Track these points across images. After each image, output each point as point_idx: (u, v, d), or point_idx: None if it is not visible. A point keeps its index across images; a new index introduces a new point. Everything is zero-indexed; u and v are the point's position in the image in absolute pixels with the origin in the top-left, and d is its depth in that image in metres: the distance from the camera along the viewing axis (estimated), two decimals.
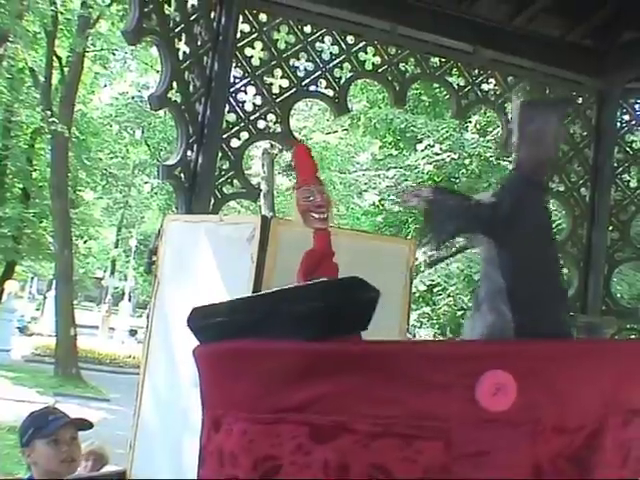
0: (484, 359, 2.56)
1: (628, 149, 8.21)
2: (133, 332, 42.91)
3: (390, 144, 19.56)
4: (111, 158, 37.95)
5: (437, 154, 16.05)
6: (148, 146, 37.74)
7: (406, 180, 16.38)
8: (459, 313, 15.10)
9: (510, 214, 3.16)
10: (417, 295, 14.90)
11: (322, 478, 2.52)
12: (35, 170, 29.54)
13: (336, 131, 23.90)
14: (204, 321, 3.15)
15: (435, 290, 15.30)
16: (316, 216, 4.06)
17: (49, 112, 22.99)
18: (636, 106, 8.33)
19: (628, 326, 8.47)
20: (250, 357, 2.73)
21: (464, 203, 3.34)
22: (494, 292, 3.15)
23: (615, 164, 8.13)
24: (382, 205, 17.42)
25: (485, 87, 7.69)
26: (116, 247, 53.76)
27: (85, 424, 4.09)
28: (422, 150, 16.44)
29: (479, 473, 2.48)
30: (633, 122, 8.25)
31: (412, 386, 2.49)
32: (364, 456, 2.50)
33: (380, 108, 18.26)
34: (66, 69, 25.35)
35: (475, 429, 2.49)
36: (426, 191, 3.59)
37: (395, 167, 17.37)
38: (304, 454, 2.55)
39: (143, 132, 37.53)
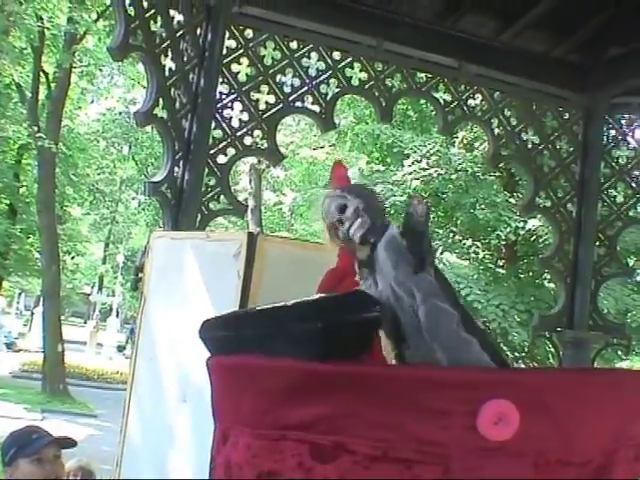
0: (486, 387, 2.54)
1: (614, 164, 8.23)
2: (121, 348, 42.81)
3: (377, 159, 19.57)
4: (98, 174, 37.89)
5: (424, 169, 16.06)
6: (135, 162, 37.70)
7: (393, 195, 16.37)
8: None
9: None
10: None
11: None
12: (22, 186, 29.49)
13: (323, 146, 23.93)
14: (212, 333, 3.20)
15: None
16: (340, 235, 3.98)
17: (36, 128, 22.96)
18: (622, 121, 8.34)
19: (615, 341, 8.46)
20: (253, 373, 2.77)
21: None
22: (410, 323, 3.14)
23: (602, 179, 8.15)
24: None
25: (471, 102, 7.70)
26: (104, 263, 53.63)
27: (68, 442, 4.06)
28: (409, 165, 16.45)
29: None
30: (619, 137, 8.27)
31: (412, 411, 2.49)
32: (364, 477, 2.50)
33: (367, 124, 18.28)
34: (53, 85, 25.32)
35: (475, 457, 2.47)
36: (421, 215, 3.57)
37: (382, 182, 17.35)
38: (305, 472, 2.56)
39: (130, 148, 37.52)
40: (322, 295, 3.18)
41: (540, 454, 2.54)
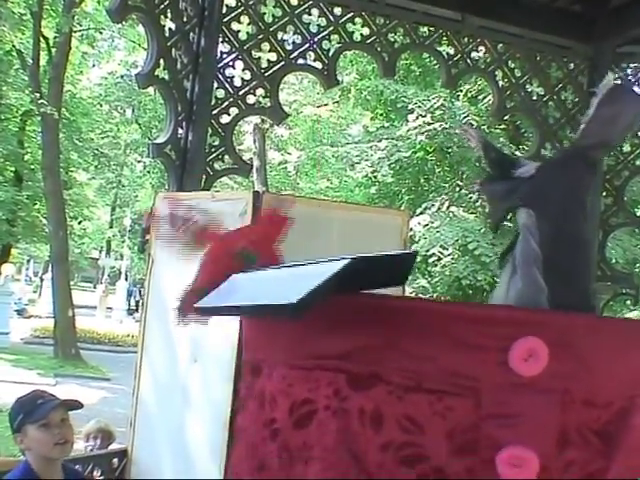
0: (520, 325, 2.57)
1: None
2: (131, 311, 42.97)
3: (381, 115, 19.48)
4: (102, 138, 37.82)
5: (428, 124, 15.96)
6: (139, 125, 37.59)
7: (398, 151, 16.32)
8: (455, 284, 15.06)
9: (549, 188, 3.17)
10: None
11: (357, 423, 2.57)
12: (27, 152, 29.43)
13: (327, 104, 23.85)
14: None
15: (430, 261, 15.29)
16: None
17: (38, 94, 22.88)
18: (628, 70, 8.28)
19: (623, 291, 8.45)
20: None
21: (510, 184, 3.35)
22: (529, 260, 3.16)
23: None
24: (375, 177, 17.35)
25: (475, 55, 7.65)
26: (111, 227, 53.68)
27: (75, 405, 4.07)
28: (413, 120, 16.34)
29: (506, 434, 2.50)
30: None
31: (446, 344, 2.53)
32: (397, 407, 2.54)
33: (370, 80, 18.16)
34: (53, 50, 25.20)
35: (505, 391, 2.52)
36: (477, 140, 3.60)
37: (387, 138, 17.29)
38: (340, 400, 2.60)
39: (133, 111, 37.40)
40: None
41: (567, 392, 2.57)
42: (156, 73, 6.11)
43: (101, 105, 36.31)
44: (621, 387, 2.72)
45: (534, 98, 7.88)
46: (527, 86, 7.84)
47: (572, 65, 8.03)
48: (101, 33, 30.53)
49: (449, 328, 2.53)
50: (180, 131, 6.34)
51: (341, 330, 2.63)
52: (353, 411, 2.59)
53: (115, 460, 5.84)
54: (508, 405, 2.52)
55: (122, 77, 35.48)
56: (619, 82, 3.42)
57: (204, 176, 6.47)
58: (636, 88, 8.33)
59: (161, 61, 6.13)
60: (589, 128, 3.36)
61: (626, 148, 8.18)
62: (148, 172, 38.18)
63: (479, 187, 3.30)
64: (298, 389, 2.71)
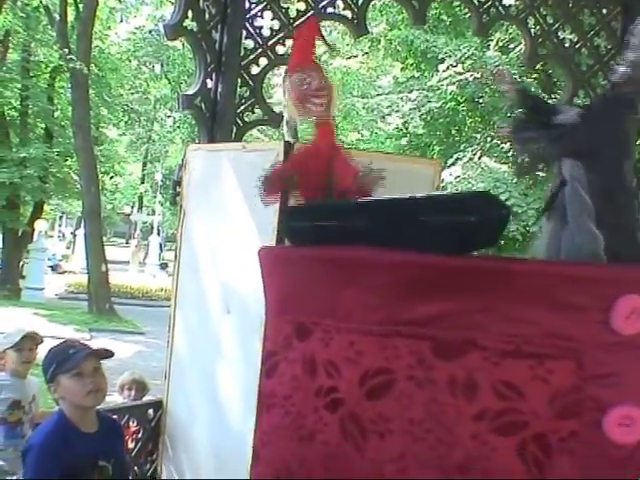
0: (620, 283, 2.54)
1: None
2: (164, 265, 43.16)
3: (411, 66, 19.33)
4: (132, 94, 37.82)
5: (459, 74, 15.82)
6: (168, 80, 37.52)
7: (429, 102, 16.21)
8: None
9: (596, 138, 3.12)
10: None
11: (447, 393, 2.51)
12: (57, 109, 29.44)
13: (356, 55, 23.69)
14: (308, 222, 3.06)
15: None
16: (316, 101, 3.64)
17: (66, 50, 22.83)
18: None
19: None
20: (366, 266, 2.67)
21: (550, 132, 3.28)
22: (583, 212, 3.11)
23: None
24: (406, 128, 17.26)
25: (506, 2, 7.53)
26: (142, 182, 53.81)
27: (107, 353, 4.09)
28: (444, 71, 16.20)
29: (610, 394, 2.47)
30: None
31: (546, 306, 2.47)
32: (493, 374, 2.48)
33: (400, 30, 18.01)
34: (81, 5, 25.13)
35: (606, 351, 2.48)
36: (512, 85, 3.56)
37: (418, 89, 17.17)
38: (426, 369, 2.53)
39: (162, 66, 37.32)
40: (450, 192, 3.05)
41: None
42: (184, 24, 6.08)
43: (130, 60, 36.23)
44: None
45: (566, 45, 7.75)
46: (559, 33, 7.71)
47: (605, 10, 7.88)
48: None
49: (548, 289, 2.48)
50: (210, 82, 6.31)
51: (429, 294, 2.53)
52: (441, 381, 2.51)
53: (150, 411, 5.90)
54: (610, 365, 2.48)
55: (150, 32, 35.37)
56: None
57: (234, 127, 6.43)
58: None
59: (189, 12, 6.09)
60: (628, 73, 3.29)
61: None
62: (178, 127, 38.15)
63: (510, 134, 3.20)
64: (370, 357, 2.61)
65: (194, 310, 5.64)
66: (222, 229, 5.33)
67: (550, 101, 15.06)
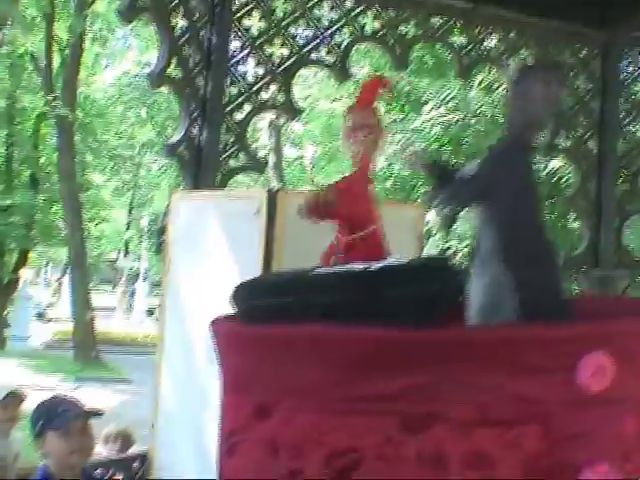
0: (583, 341, 2.55)
1: (633, 99, 8.14)
2: (150, 312, 42.98)
3: (395, 108, 19.41)
4: (118, 139, 37.78)
5: (443, 115, 15.90)
6: (154, 124, 37.57)
7: (413, 143, 16.26)
8: None
9: (494, 181, 3.13)
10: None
11: (416, 469, 2.45)
12: (42, 155, 29.43)
13: (342, 98, 23.76)
14: (261, 299, 3.00)
15: (448, 253, 15.22)
16: (358, 143, 4.15)
17: (52, 96, 22.89)
18: None
19: None
20: (325, 343, 2.62)
21: (456, 186, 3.31)
22: (490, 254, 3.11)
23: (621, 115, 8.05)
24: (390, 170, 17.30)
25: (487, 44, 7.61)
26: (128, 228, 53.69)
27: (97, 413, 4.04)
28: (428, 112, 16.30)
29: (581, 454, 2.46)
30: (638, 72, 8.16)
31: (509, 371, 2.46)
32: (462, 445, 2.44)
33: (384, 72, 18.11)
34: (66, 51, 25.22)
35: (574, 411, 2.49)
36: (421, 162, 3.63)
37: (402, 131, 17.23)
38: (393, 446, 2.47)
39: (148, 111, 37.38)
40: (404, 261, 3.02)
41: (629, 398, 2.56)
42: (168, 72, 6.12)
43: (115, 106, 36.28)
44: None
45: None
46: None
47: (584, 51, 7.98)
48: (113, 33, 30.52)
49: (510, 354, 2.46)
50: (194, 129, 6.34)
51: (385, 369, 2.49)
52: (410, 457, 2.46)
53: (136, 464, 5.84)
54: (579, 424, 2.48)
55: (136, 77, 35.47)
56: (527, 65, 3.47)
57: (219, 174, 6.45)
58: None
59: (173, 60, 6.14)
60: (511, 114, 3.35)
61: None
62: (164, 172, 38.15)
63: (430, 198, 3.24)
64: (335, 437, 2.54)
65: (180, 360, 5.61)
66: (207, 276, 5.33)
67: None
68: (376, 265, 2.89)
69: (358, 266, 2.92)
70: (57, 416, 3.86)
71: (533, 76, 3.33)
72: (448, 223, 14.92)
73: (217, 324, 3.07)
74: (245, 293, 3.06)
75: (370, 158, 4.27)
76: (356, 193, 4.12)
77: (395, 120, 19.02)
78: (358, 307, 2.66)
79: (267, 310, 2.90)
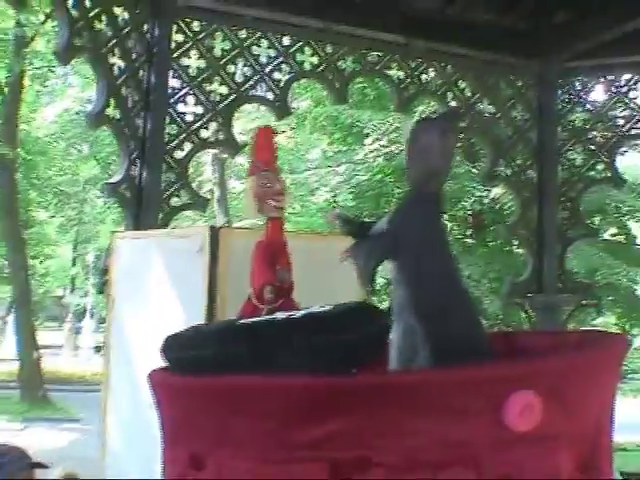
0: (509, 380, 2.54)
1: (571, 127, 8.28)
2: (98, 349, 42.50)
3: (338, 140, 19.49)
4: (61, 175, 37.50)
5: (385, 147, 16.03)
6: (97, 160, 37.33)
7: (357, 175, 16.36)
8: None
9: (402, 235, 3.15)
10: (377, 289, 14.88)
11: None
12: None
13: (284, 131, 23.85)
14: (187, 351, 3.00)
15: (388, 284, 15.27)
16: (274, 204, 4.12)
17: None
18: (576, 84, 8.36)
19: (585, 302, 8.52)
20: (253, 393, 2.60)
21: (369, 244, 3.32)
22: (402, 307, 3.13)
23: (559, 143, 8.19)
24: (335, 201, 17.39)
25: (425, 77, 7.70)
26: (74, 264, 53.15)
27: (42, 465, 3.99)
28: (370, 144, 16.43)
29: None
30: (574, 101, 8.30)
31: (437, 415, 2.45)
32: None
33: (325, 106, 18.20)
34: (6, 90, 25.04)
35: (502, 451, 2.48)
36: (337, 221, 3.68)
37: (345, 162, 17.35)
38: None
39: (91, 147, 37.16)
40: (328, 308, 3.01)
41: (557, 437, 2.56)
42: (107, 112, 6.11)
43: (58, 142, 36.05)
44: (594, 416, 2.75)
45: (485, 117, 7.95)
46: (478, 105, 7.91)
47: (521, 82, 8.12)
48: (53, 71, 30.35)
49: (437, 397, 2.45)
50: (134, 169, 6.33)
51: (314, 416, 2.47)
52: None
53: None
54: (507, 464, 2.47)
55: (77, 113, 35.28)
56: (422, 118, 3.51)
57: (161, 213, 6.45)
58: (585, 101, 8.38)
59: (111, 100, 6.13)
60: (411, 170, 3.38)
61: (578, 161, 8.26)
62: (108, 208, 37.92)
63: (347, 255, 3.23)
64: None
65: (126, 398, 5.56)
66: (152, 316, 5.31)
67: (473, 171, 15.33)
68: (300, 313, 2.90)
69: (281, 315, 2.94)
70: (1, 467, 3.80)
71: (430, 128, 3.37)
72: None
73: (153, 374, 3.07)
74: (172, 345, 3.08)
75: (282, 225, 4.27)
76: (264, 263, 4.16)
77: (339, 151, 19.17)
78: (282, 356, 2.67)
79: (192, 362, 2.91)
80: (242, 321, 3.22)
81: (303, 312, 2.91)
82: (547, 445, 2.53)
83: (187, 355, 2.97)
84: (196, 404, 2.77)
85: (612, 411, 2.93)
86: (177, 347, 3.05)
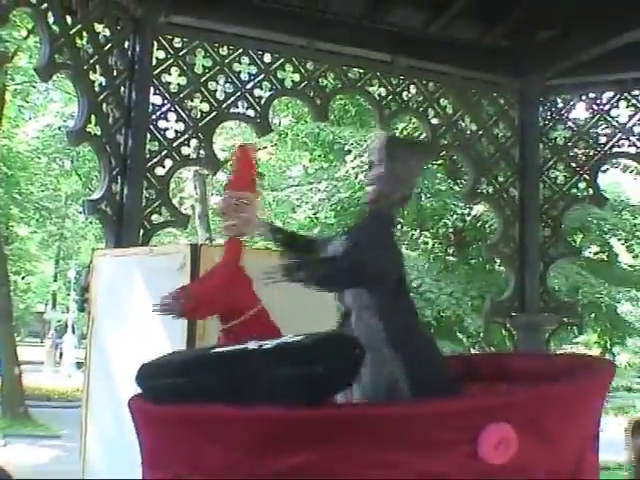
0: (484, 413, 2.54)
1: (553, 145, 8.28)
2: (79, 364, 42.32)
3: (319, 157, 19.48)
4: (42, 191, 37.36)
5: (366, 164, 16.02)
6: (79, 176, 37.20)
7: (338, 192, 16.34)
8: None
9: (369, 260, 3.09)
10: None
11: None
12: None
13: (265, 147, 23.84)
14: (155, 381, 3.02)
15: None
16: (230, 223, 3.92)
17: None
18: (558, 102, 8.38)
19: (567, 320, 8.50)
20: (224, 423, 2.61)
21: (325, 266, 3.23)
22: (375, 340, 3.07)
23: (541, 161, 8.19)
24: (317, 218, 17.36)
25: (406, 95, 7.70)
26: (55, 280, 52.98)
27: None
28: (351, 161, 16.41)
29: None
30: (556, 118, 8.31)
31: (411, 447, 2.44)
32: None
33: (306, 122, 18.21)
34: None
35: None
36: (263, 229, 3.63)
37: (326, 179, 17.33)
38: None
39: (72, 162, 37.05)
40: (300, 338, 2.90)
41: (533, 469, 2.56)
42: (88, 129, 6.10)
43: (39, 158, 35.93)
44: (575, 445, 2.73)
45: (467, 134, 7.95)
46: (460, 123, 7.92)
47: (502, 100, 8.13)
48: (34, 87, 30.30)
49: (414, 429, 2.45)
50: (115, 186, 6.31)
51: (284, 446, 2.47)
52: None
53: None
54: None
55: (59, 129, 35.21)
56: (386, 138, 3.34)
57: (141, 230, 6.43)
58: (566, 119, 8.39)
59: (92, 117, 6.12)
60: (377, 190, 3.30)
61: (560, 179, 8.26)
62: (90, 223, 37.80)
63: (286, 274, 3.08)
64: None
65: (106, 416, 5.53)
66: (132, 333, 5.28)
67: (455, 188, 15.33)
68: (272, 343, 2.86)
69: (253, 345, 2.88)
70: None
71: (413, 156, 3.33)
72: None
73: (132, 401, 3.05)
74: (144, 374, 3.06)
75: (240, 245, 4.03)
76: (222, 284, 3.90)
77: (320, 168, 19.17)
78: (252, 386, 2.65)
79: (165, 390, 2.90)
80: (214, 350, 3.17)
81: (275, 342, 2.87)
82: (522, 476, 2.51)
83: (160, 383, 2.96)
84: (171, 431, 2.78)
85: (596, 438, 2.91)
86: (150, 375, 3.05)
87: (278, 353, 2.77)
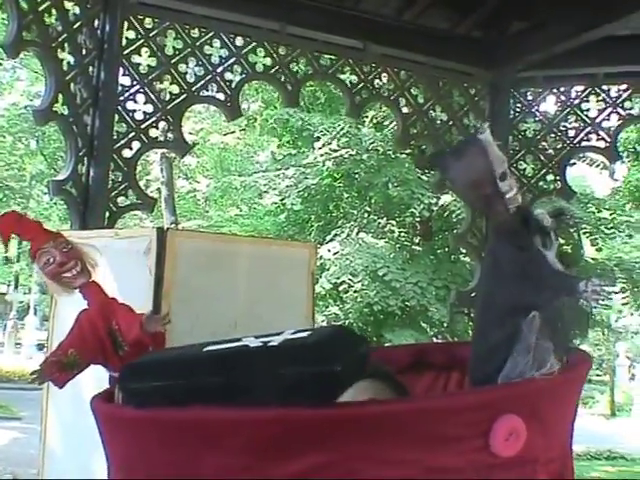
0: (494, 405, 2.54)
1: (522, 137, 8.29)
2: (41, 346, 42.08)
3: (288, 143, 19.46)
4: (6, 170, 37.16)
5: (335, 151, 15.97)
6: (44, 156, 36.98)
7: (306, 178, 16.31)
8: (366, 310, 14.98)
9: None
10: (324, 294, 14.84)
11: None
12: None
13: (234, 132, 23.75)
14: (150, 381, 2.80)
15: (341, 288, 15.23)
16: (67, 275, 3.77)
17: None
18: (528, 95, 8.38)
19: None
20: (226, 427, 2.51)
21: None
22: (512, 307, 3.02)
23: (510, 153, 8.19)
24: (284, 204, 17.31)
25: (378, 83, 7.68)
26: (18, 261, 52.65)
27: None
28: (320, 148, 16.38)
29: None
30: (526, 111, 8.33)
31: (424, 443, 2.42)
32: None
33: (276, 108, 18.17)
34: None
35: (488, 476, 2.48)
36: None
37: (294, 165, 17.28)
38: None
39: (38, 142, 36.80)
40: (304, 335, 2.81)
41: (536, 460, 2.60)
42: (55, 108, 6.01)
43: (4, 137, 35.66)
44: (564, 435, 2.82)
45: (437, 124, 7.94)
46: (430, 112, 7.90)
47: (474, 91, 8.13)
48: (1, 64, 30.01)
49: (427, 425, 2.44)
50: (81, 167, 6.23)
51: (294, 448, 2.41)
52: None
53: None
54: None
55: (25, 108, 34.91)
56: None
57: (107, 212, 6.35)
58: (536, 112, 8.40)
59: (60, 96, 6.03)
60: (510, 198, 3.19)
61: (529, 171, 8.28)
62: (55, 204, 37.57)
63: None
64: None
65: (67, 400, 5.47)
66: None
67: (423, 178, 15.35)
68: (275, 341, 2.74)
69: (255, 343, 2.75)
70: None
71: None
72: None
73: (97, 404, 2.94)
74: (130, 376, 2.90)
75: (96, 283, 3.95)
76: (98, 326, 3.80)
77: (289, 154, 19.12)
78: (260, 386, 2.54)
79: (155, 393, 2.73)
80: (211, 349, 2.92)
81: (280, 340, 2.75)
82: (528, 469, 2.53)
83: (148, 386, 2.77)
84: (155, 439, 2.64)
85: (572, 431, 2.93)
86: (136, 378, 2.87)
87: (287, 351, 2.66)
